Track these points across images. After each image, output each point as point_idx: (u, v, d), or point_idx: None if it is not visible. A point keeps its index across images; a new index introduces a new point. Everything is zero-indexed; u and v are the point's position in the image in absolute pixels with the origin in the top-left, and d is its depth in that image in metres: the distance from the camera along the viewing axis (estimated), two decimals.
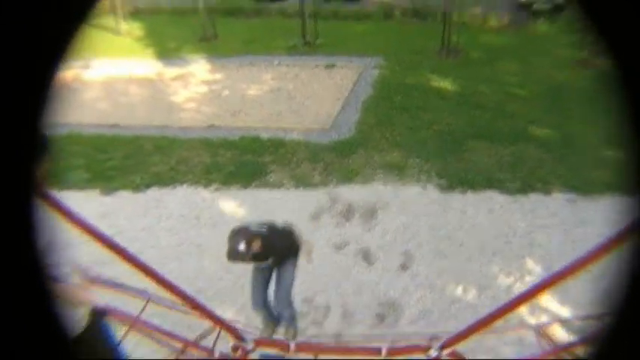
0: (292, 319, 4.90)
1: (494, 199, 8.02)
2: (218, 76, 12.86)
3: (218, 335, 4.06)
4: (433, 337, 3.56)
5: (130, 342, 3.75)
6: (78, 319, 2.90)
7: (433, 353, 3.47)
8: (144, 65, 13.42)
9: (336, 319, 6.23)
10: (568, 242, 6.94)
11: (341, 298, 6.48)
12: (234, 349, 3.97)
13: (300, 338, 4.99)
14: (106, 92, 12.27)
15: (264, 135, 9.92)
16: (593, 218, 7.19)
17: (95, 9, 0.72)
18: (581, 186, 7.97)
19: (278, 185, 8.64)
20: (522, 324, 5.57)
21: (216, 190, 8.62)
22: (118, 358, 3.31)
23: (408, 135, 9.67)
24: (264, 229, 4.31)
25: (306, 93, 11.83)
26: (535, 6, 13.81)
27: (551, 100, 10.46)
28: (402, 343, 4.06)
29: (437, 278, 6.70)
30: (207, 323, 4.13)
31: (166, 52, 13.90)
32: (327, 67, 12.73)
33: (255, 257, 4.27)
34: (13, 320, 0.72)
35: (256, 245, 4.11)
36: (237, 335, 4.03)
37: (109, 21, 14.68)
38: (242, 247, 3.99)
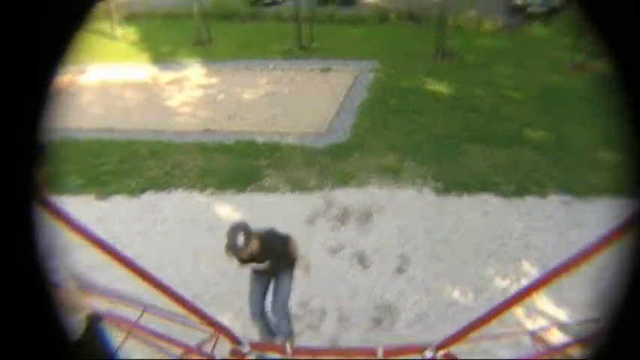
0: (289, 333, 4.92)
1: (490, 201, 8.04)
2: (213, 80, 12.84)
3: (216, 340, 4.07)
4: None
5: (127, 348, 3.74)
6: (75, 324, 2.88)
7: (428, 354, 3.49)
8: (139, 70, 13.40)
9: (331, 323, 6.22)
10: (563, 244, 6.95)
11: (337, 301, 6.47)
12: (232, 353, 3.97)
13: (295, 342, 4.98)
14: (101, 97, 12.24)
15: (260, 139, 9.91)
16: (589, 220, 7.21)
17: (93, 12, 0.72)
18: (576, 188, 8.00)
19: (273, 189, 8.63)
20: (518, 329, 5.58)
21: (212, 194, 8.61)
22: None
23: (404, 138, 9.69)
24: (263, 231, 4.39)
25: (301, 97, 11.83)
26: (530, 9, 13.89)
27: (546, 102, 10.50)
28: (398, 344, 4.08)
29: (433, 281, 6.71)
30: (203, 331, 4.13)
31: (161, 57, 13.88)
32: (323, 70, 12.75)
33: (253, 257, 4.30)
34: (13, 324, 0.71)
35: (255, 244, 4.14)
36: (234, 339, 4.04)
37: (104, 26, 14.66)
38: (241, 241, 4.02)
